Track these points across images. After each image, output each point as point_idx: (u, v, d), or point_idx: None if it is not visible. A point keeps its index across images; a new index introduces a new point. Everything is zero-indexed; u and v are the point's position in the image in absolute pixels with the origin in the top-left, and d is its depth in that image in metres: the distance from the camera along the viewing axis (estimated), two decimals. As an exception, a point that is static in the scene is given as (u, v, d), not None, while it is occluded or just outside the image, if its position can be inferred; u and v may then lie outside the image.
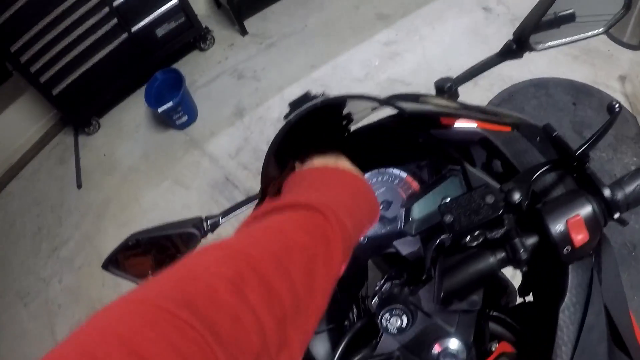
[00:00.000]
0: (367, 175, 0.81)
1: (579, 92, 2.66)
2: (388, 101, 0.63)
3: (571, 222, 0.54)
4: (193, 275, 0.40)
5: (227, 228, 0.93)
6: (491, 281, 0.66)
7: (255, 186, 2.76)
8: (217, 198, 2.77)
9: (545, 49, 0.82)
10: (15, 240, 3.15)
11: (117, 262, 0.91)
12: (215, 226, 0.90)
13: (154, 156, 3.16)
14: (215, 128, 3.17)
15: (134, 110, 3.52)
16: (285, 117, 0.72)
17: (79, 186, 3.20)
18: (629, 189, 0.57)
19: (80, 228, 2.99)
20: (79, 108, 3.35)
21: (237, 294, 0.39)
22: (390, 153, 0.84)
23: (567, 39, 0.83)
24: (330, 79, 3.19)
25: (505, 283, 0.83)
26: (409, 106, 0.65)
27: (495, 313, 0.72)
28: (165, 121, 3.24)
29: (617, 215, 0.57)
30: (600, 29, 0.82)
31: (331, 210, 0.53)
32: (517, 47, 0.83)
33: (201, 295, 0.37)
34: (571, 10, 0.77)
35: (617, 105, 0.71)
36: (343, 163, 0.72)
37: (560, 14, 0.79)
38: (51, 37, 3.00)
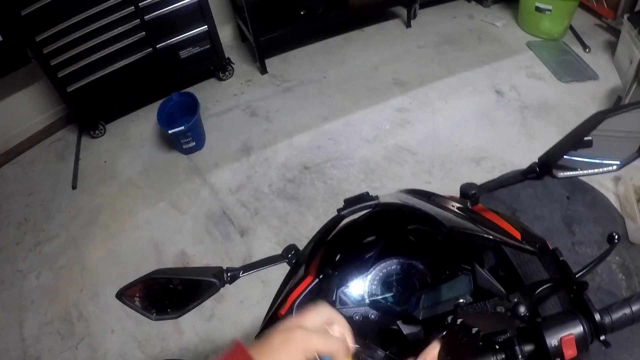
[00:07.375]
0: (389, 261, 0.92)
1: (575, 187, 2.74)
2: (436, 218, 0.73)
3: (564, 340, 0.62)
4: None
5: (247, 279, 1.00)
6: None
7: (251, 226, 2.84)
8: (211, 230, 2.81)
9: (565, 178, 0.91)
10: (-1, 225, 3.12)
11: (130, 293, 0.95)
12: (234, 278, 0.95)
13: (155, 174, 3.20)
14: (220, 160, 3.22)
15: (142, 124, 3.56)
16: (340, 210, 0.84)
17: (74, 187, 3.20)
18: (616, 315, 0.65)
19: (68, 229, 2.98)
20: (89, 110, 3.38)
21: None
22: (413, 244, 0.95)
23: (585, 172, 0.92)
24: (340, 134, 3.29)
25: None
26: (453, 222, 0.74)
27: None
28: (171, 142, 3.29)
29: (602, 337, 0.65)
30: (614, 167, 0.93)
31: None
32: (540, 171, 0.92)
33: None
34: (590, 138, 0.85)
35: (616, 236, 0.83)
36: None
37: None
38: (78, 36, 3.04)
